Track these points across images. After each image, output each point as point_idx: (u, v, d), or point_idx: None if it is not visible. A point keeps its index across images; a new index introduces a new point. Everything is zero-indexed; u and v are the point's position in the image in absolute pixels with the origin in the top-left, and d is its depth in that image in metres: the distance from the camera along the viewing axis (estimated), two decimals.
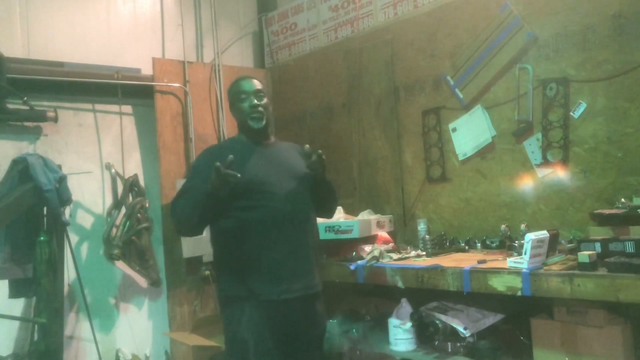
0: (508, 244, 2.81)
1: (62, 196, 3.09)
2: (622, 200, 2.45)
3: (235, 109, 2.44)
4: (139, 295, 3.89)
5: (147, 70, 3.88)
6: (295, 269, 2.30)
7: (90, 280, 3.57)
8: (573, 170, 2.74)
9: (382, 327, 3.14)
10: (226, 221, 2.31)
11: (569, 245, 2.55)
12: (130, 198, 3.66)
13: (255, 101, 2.36)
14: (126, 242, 3.56)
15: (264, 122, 2.39)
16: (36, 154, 3.21)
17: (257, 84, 2.41)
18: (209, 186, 2.16)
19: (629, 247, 2.17)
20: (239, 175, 2.12)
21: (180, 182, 3.68)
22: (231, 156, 2.10)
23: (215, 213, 2.30)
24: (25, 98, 3.33)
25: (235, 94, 2.41)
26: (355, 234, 3.11)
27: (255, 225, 2.27)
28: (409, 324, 2.91)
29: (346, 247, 3.16)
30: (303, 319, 2.33)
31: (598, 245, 2.25)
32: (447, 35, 3.26)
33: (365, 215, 3.37)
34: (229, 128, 4.15)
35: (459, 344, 2.78)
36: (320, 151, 2.31)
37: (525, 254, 2.28)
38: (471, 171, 3.18)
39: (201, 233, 2.45)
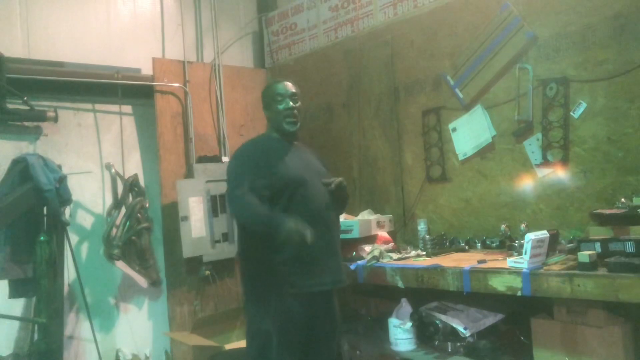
0: (508, 244, 2.81)
1: (62, 196, 3.09)
2: (622, 200, 2.45)
3: (270, 110, 2.53)
4: (139, 295, 3.89)
5: (147, 70, 3.88)
6: (327, 263, 2.40)
7: (90, 280, 3.57)
8: (573, 170, 2.74)
9: (382, 327, 3.14)
10: None
11: (569, 245, 2.55)
12: (130, 198, 3.66)
13: (291, 104, 2.48)
14: (126, 242, 3.56)
15: (298, 125, 2.52)
16: (36, 154, 3.21)
17: (292, 87, 2.52)
18: (283, 226, 2.19)
19: (629, 247, 2.17)
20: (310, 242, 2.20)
21: (180, 183, 3.70)
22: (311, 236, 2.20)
23: None
24: (25, 98, 3.33)
25: (271, 96, 2.51)
26: (355, 234, 3.11)
27: None
28: (409, 324, 2.91)
29: (346, 247, 3.15)
30: (325, 311, 2.44)
31: (598, 245, 2.25)
32: (447, 35, 3.26)
33: (365, 215, 3.38)
34: (229, 128, 4.15)
35: (459, 344, 2.79)
36: (340, 180, 2.49)
37: (525, 254, 2.28)
38: (471, 171, 3.18)
39: None
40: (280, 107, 2.47)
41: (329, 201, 2.47)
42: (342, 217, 3.24)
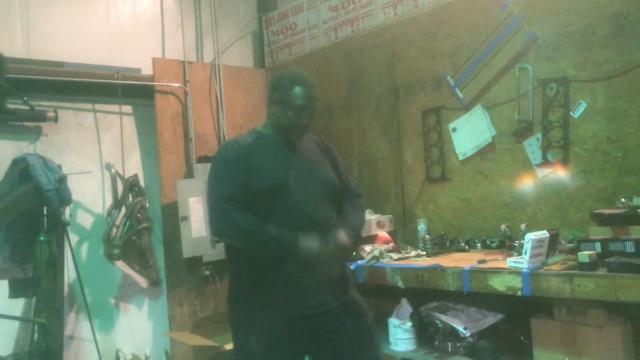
0: (508, 244, 2.80)
1: (62, 196, 3.09)
2: (622, 200, 2.45)
3: (280, 112, 2.17)
4: (139, 295, 3.89)
5: (147, 70, 3.88)
6: (311, 284, 2.09)
7: (90, 280, 3.57)
8: (573, 170, 2.74)
9: (382, 327, 3.14)
10: None
11: (569, 245, 2.55)
12: (130, 198, 3.66)
13: (304, 120, 2.15)
14: (126, 242, 3.56)
15: (302, 137, 2.24)
16: (36, 154, 3.20)
17: (312, 94, 2.17)
18: (298, 246, 2.01)
19: (629, 247, 2.17)
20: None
21: (180, 183, 3.70)
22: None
23: None
24: (25, 98, 3.33)
25: (287, 100, 2.13)
26: None
27: None
28: (409, 324, 2.91)
29: None
30: (330, 330, 2.13)
31: (598, 245, 2.25)
32: (447, 35, 3.26)
33: (365, 215, 3.37)
34: (228, 128, 4.15)
35: (459, 344, 2.79)
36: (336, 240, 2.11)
37: (525, 254, 2.28)
38: (471, 171, 3.18)
39: None
40: (295, 117, 2.13)
41: (319, 213, 2.15)
42: None
